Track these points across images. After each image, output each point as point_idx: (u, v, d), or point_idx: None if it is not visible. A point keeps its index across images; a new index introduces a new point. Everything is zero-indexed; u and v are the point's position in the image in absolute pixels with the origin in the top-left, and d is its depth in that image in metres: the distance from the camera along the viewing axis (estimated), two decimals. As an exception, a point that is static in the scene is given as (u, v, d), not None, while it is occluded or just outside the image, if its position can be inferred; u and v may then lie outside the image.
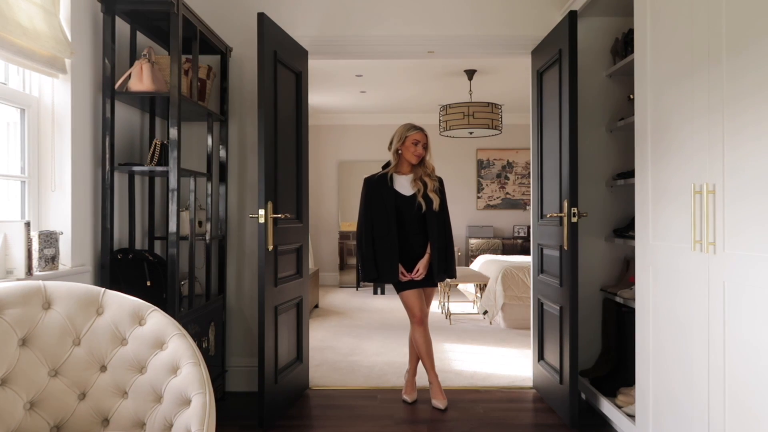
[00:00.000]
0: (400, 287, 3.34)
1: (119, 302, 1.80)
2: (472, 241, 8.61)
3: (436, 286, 3.43)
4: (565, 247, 2.98)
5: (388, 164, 3.45)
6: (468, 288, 6.95)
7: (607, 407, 2.98)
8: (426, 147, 3.35)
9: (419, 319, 3.32)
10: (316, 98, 7.41)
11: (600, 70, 3.49)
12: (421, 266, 3.29)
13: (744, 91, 1.84)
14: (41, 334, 1.72)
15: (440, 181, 3.45)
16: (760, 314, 1.75)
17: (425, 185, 3.34)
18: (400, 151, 3.37)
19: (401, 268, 3.31)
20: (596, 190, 3.50)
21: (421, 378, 3.53)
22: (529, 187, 8.74)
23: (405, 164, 3.38)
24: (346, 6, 3.64)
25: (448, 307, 6.05)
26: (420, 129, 3.35)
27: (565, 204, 2.97)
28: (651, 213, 2.45)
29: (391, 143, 3.40)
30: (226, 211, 3.50)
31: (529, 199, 8.50)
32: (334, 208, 8.81)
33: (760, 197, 1.76)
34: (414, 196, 3.33)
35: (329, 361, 4.29)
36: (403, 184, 3.38)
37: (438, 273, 3.31)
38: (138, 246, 3.14)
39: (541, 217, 3.47)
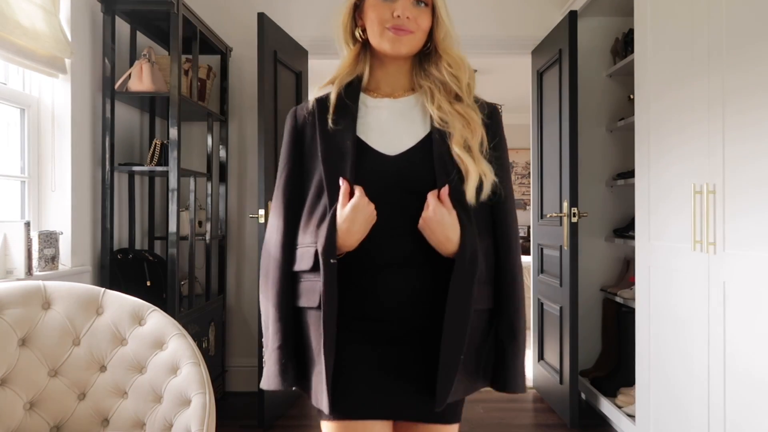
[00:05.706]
0: (337, 413, 1.19)
1: (119, 302, 1.79)
2: (472, 241, 8.61)
3: (447, 421, 1.22)
4: (565, 247, 2.98)
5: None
6: (468, 288, 6.94)
7: (607, 407, 2.97)
8: (428, 3, 1.23)
9: None
10: (316, 98, 7.39)
11: (600, 70, 3.49)
12: (432, 200, 1.17)
13: (745, 92, 1.84)
14: (41, 334, 1.72)
15: (491, 113, 1.30)
16: (760, 314, 1.75)
17: (451, 118, 1.22)
18: (360, 26, 1.33)
19: None
20: (596, 190, 3.49)
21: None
22: (529, 187, 8.74)
23: (381, 65, 1.30)
24: (346, 6, 3.63)
25: (448, 307, 6.02)
26: None
27: (565, 204, 2.97)
28: (651, 213, 2.45)
29: None
30: (226, 211, 3.50)
31: (529, 199, 8.49)
32: (334, 208, 8.80)
33: (760, 197, 1.76)
34: (415, 153, 1.22)
35: (329, 361, 4.28)
36: (383, 122, 1.26)
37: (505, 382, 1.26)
38: (138, 246, 3.14)
39: (541, 217, 3.47)
